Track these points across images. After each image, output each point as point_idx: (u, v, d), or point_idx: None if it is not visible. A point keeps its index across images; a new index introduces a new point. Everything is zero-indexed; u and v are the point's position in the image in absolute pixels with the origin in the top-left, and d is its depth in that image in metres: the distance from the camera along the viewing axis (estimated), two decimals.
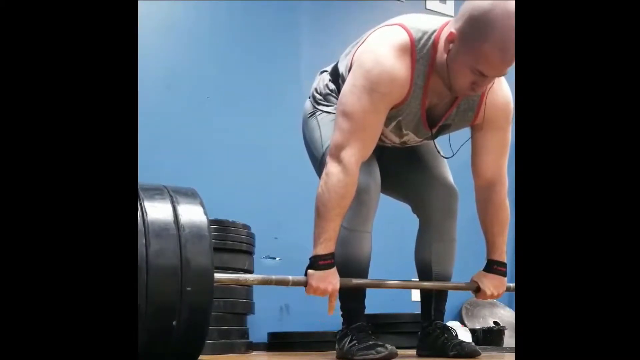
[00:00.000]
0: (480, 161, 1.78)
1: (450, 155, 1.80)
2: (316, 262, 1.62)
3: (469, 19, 1.50)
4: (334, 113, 1.79)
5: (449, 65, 1.57)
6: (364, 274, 1.77)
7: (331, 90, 1.83)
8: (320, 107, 1.85)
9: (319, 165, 1.81)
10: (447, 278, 1.89)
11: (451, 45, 1.55)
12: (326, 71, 1.89)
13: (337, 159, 1.63)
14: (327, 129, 1.79)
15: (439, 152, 1.84)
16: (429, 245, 1.90)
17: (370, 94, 1.61)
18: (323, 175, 1.65)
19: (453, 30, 1.54)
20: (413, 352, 1.99)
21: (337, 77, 1.81)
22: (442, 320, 1.92)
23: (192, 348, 1.33)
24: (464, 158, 1.84)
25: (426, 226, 1.91)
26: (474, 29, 1.49)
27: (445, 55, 1.57)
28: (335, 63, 1.86)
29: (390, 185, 1.87)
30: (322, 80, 1.87)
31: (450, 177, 1.92)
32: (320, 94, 1.86)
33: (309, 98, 1.91)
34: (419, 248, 1.93)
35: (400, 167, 1.93)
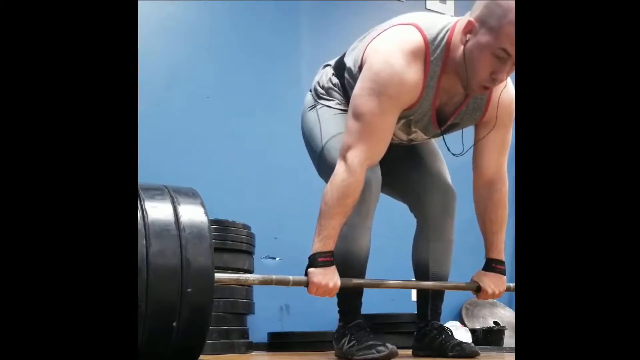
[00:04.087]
0: (483, 159, 1.79)
1: (459, 152, 1.79)
2: (315, 260, 1.62)
3: (488, 4, 1.52)
4: (335, 108, 1.79)
5: (468, 57, 1.57)
6: (362, 269, 1.77)
7: (334, 85, 1.82)
8: (321, 101, 1.84)
9: (317, 159, 1.82)
10: (444, 278, 1.89)
11: (469, 35, 1.56)
12: (329, 65, 1.88)
13: (344, 159, 1.64)
14: (327, 124, 1.79)
15: (448, 149, 1.82)
16: (426, 246, 1.90)
17: (378, 97, 1.61)
18: (332, 175, 1.66)
19: (471, 19, 1.55)
20: None
21: (341, 72, 1.80)
22: (439, 321, 1.92)
23: (192, 348, 1.33)
24: (462, 159, 1.84)
25: (424, 226, 1.91)
26: (495, 10, 1.51)
27: (462, 49, 1.58)
28: (339, 57, 1.84)
29: (388, 183, 1.87)
30: (326, 74, 1.86)
31: (449, 178, 1.93)
32: (322, 87, 1.85)
33: (310, 91, 1.90)
34: (417, 248, 1.93)
35: (400, 165, 1.93)
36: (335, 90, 1.82)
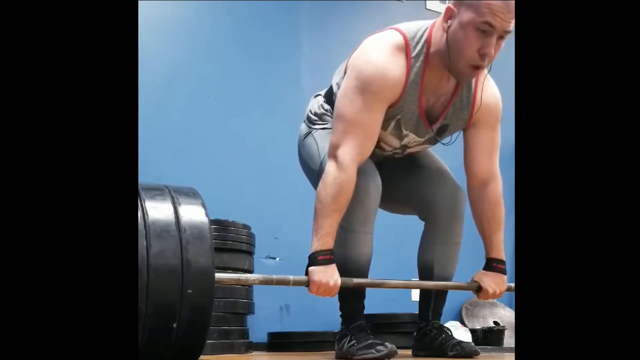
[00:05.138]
0: (474, 160, 1.80)
1: (448, 142, 1.82)
2: (315, 258, 1.62)
3: None
4: (330, 128, 1.81)
5: (452, 41, 1.60)
6: (363, 274, 1.76)
7: (326, 110, 1.86)
8: (315, 126, 1.87)
9: (316, 177, 1.79)
10: (447, 280, 1.89)
11: (450, 20, 1.61)
12: (320, 94, 1.92)
13: (334, 157, 1.66)
14: (323, 141, 1.81)
15: (437, 140, 1.83)
16: (432, 247, 1.89)
17: (362, 94, 1.64)
18: (322, 174, 1.67)
19: (449, 5, 1.60)
20: None
21: (331, 97, 1.84)
22: (439, 321, 1.92)
23: (192, 348, 1.33)
24: (456, 162, 1.85)
25: (432, 227, 1.90)
26: None
27: (445, 36, 1.61)
28: (329, 87, 1.88)
29: (391, 196, 1.87)
30: (317, 102, 1.91)
31: (454, 179, 1.93)
32: (315, 114, 1.89)
33: (304, 121, 1.93)
34: (423, 249, 1.92)
35: (400, 175, 1.93)
36: (328, 115, 1.85)
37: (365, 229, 1.74)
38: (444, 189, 1.89)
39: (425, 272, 1.89)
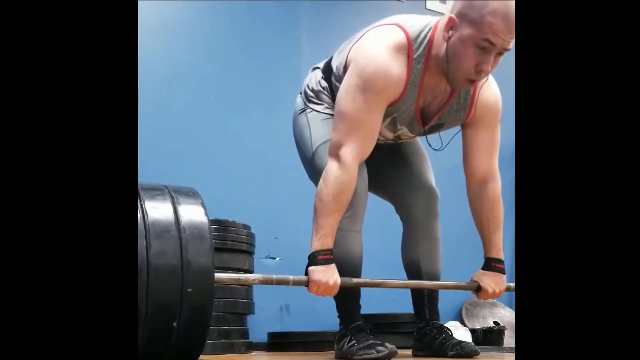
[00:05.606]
0: (473, 160, 1.80)
1: (439, 147, 1.82)
2: (315, 258, 1.62)
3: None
4: (324, 113, 1.81)
5: (451, 53, 1.59)
6: (356, 272, 1.77)
7: (323, 88, 1.84)
8: (310, 105, 1.86)
9: (309, 164, 1.83)
10: (436, 276, 1.90)
11: (451, 32, 1.59)
12: (318, 68, 1.90)
13: (336, 157, 1.66)
14: (316, 128, 1.81)
15: (429, 144, 1.85)
16: (415, 246, 1.91)
17: (364, 93, 1.63)
18: (323, 173, 1.67)
19: (452, 16, 1.58)
20: None
21: (329, 75, 1.82)
22: (438, 320, 1.92)
23: (192, 348, 1.33)
24: (455, 162, 1.85)
25: (410, 227, 1.93)
26: (474, 2, 1.53)
27: (445, 45, 1.60)
28: (327, 59, 1.87)
29: (375, 184, 1.88)
30: (315, 77, 1.89)
31: (432, 178, 1.94)
32: (312, 90, 1.87)
33: (301, 94, 1.93)
34: (406, 249, 1.94)
35: (385, 166, 1.94)
36: (324, 94, 1.84)
37: (354, 228, 1.75)
38: (419, 191, 1.91)
39: (413, 270, 1.90)
